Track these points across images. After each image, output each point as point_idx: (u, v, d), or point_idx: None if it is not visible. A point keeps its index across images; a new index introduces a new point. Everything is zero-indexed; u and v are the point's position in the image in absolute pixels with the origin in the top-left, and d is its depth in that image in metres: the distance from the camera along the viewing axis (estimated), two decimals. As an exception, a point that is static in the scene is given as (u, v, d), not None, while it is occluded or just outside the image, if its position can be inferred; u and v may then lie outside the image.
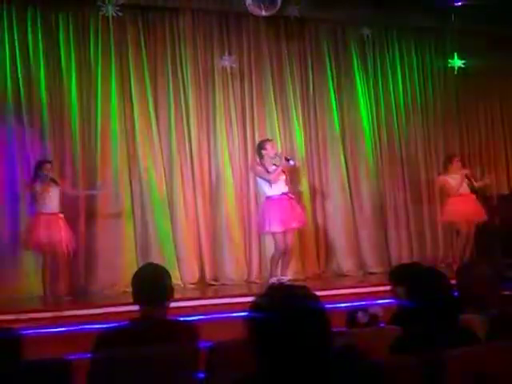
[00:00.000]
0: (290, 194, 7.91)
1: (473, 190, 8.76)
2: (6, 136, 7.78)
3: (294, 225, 7.85)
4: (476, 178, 9.12)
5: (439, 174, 9.08)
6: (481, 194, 9.02)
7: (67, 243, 7.29)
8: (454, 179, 8.58)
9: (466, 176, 8.61)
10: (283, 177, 7.84)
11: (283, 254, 7.82)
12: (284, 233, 7.76)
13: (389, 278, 4.01)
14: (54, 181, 7.23)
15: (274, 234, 7.80)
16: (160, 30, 8.66)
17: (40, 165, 7.31)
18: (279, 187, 7.78)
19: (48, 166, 7.28)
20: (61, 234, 7.20)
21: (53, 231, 7.14)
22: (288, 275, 7.90)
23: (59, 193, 7.29)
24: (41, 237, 7.09)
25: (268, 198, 7.82)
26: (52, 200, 7.20)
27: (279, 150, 8.26)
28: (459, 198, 8.57)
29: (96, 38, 8.29)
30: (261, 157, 7.88)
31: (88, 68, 8.24)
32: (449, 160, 8.85)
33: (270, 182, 7.72)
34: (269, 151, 7.84)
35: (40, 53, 8.02)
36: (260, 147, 7.96)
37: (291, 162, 7.88)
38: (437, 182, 9.08)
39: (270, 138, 8.32)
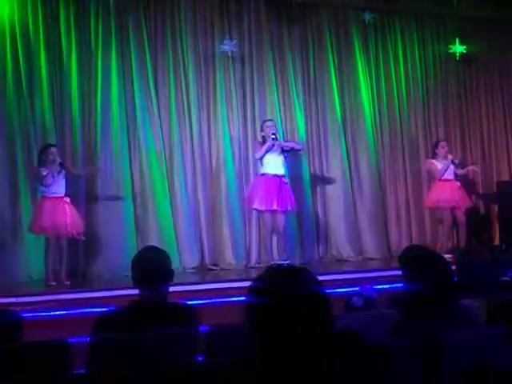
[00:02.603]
0: (283, 179, 7.91)
1: (458, 177, 8.81)
2: (5, 118, 7.75)
3: (275, 207, 7.77)
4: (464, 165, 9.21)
5: (427, 158, 9.13)
6: (464, 181, 9.04)
7: (73, 227, 7.28)
8: (442, 163, 8.62)
9: (453, 162, 8.65)
10: (280, 157, 7.85)
11: (277, 237, 7.90)
12: (272, 213, 7.79)
13: (398, 260, 4.02)
14: (60, 164, 7.20)
15: (258, 212, 7.93)
16: (160, 14, 8.61)
17: (45, 148, 7.29)
18: (274, 167, 7.80)
19: (53, 149, 7.25)
20: (66, 218, 7.19)
21: (58, 215, 7.12)
22: (284, 258, 7.87)
23: (65, 176, 7.27)
24: (46, 221, 7.08)
25: (260, 175, 7.89)
26: (58, 184, 7.18)
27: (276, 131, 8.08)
28: (444, 183, 8.62)
29: (96, 23, 8.24)
30: (262, 137, 7.97)
31: (89, 53, 8.19)
32: (436, 144, 8.91)
33: (255, 157, 7.85)
34: (266, 131, 7.90)
35: (41, 39, 7.96)
36: (260, 128, 8.11)
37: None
38: (424, 165, 9.13)
39: (268, 119, 8.33)
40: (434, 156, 8.78)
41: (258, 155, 7.85)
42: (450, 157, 8.66)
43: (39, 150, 7.39)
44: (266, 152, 7.77)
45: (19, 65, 7.84)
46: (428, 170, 9.02)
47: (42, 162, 7.21)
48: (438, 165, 8.65)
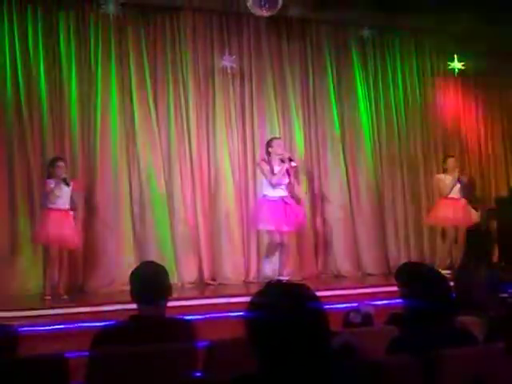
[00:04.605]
0: (286, 199, 7.87)
1: (464, 195, 8.76)
2: (5, 130, 7.76)
3: (285, 228, 7.81)
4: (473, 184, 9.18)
5: (437, 173, 9.11)
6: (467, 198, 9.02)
7: (74, 240, 7.30)
8: (449, 180, 8.60)
9: (459, 180, 8.62)
10: (286, 180, 7.82)
11: (280, 254, 7.86)
12: (277, 232, 7.77)
13: (394, 277, 4.00)
14: (65, 180, 7.19)
15: (267, 231, 7.90)
16: (160, 29, 8.66)
17: (53, 162, 7.30)
18: (278, 191, 7.78)
19: (61, 163, 7.26)
20: (69, 231, 7.21)
21: (62, 227, 7.14)
22: (285, 275, 7.88)
23: (70, 190, 7.28)
24: (50, 232, 7.09)
25: (264, 196, 7.84)
26: (63, 197, 7.19)
27: (285, 152, 8.06)
28: (448, 201, 8.59)
29: (96, 37, 8.28)
30: (268, 154, 7.88)
31: (88, 67, 8.22)
32: (444, 159, 8.92)
33: (271, 183, 7.72)
34: (275, 149, 7.83)
35: (40, 51, 8.00)
36: (267, 145, 7.96)
37: (293, 164, 7.84)
38: (433, 180, 9.12)
39: (278, 137, 8.34)
40: (443, 171, 8.75)
41: (274, 181, 7.69)
42: (457, 174, 8.64)
43: (48, 163, 7.39)
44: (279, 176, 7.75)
45: (18, 76, 7.86)
46: (435, 186, 8.98)
47: (49, 175, 7.23)
48: (446, 181, 8.61)
